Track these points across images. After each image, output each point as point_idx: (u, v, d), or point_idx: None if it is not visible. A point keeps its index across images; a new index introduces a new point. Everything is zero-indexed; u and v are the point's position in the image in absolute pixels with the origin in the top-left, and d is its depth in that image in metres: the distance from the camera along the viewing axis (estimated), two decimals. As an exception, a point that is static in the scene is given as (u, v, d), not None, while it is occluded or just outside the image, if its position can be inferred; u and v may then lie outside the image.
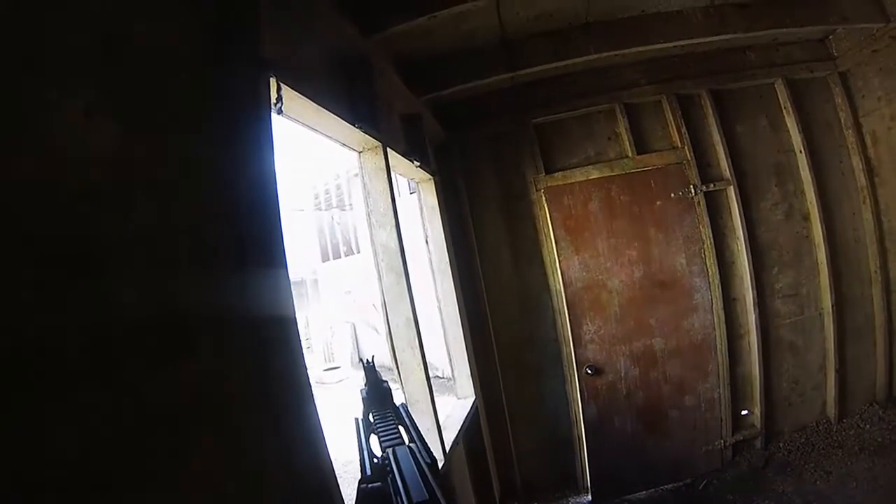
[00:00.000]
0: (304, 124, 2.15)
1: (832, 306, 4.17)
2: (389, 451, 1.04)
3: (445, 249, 3.92)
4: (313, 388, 1.49)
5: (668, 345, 4.15)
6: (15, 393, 0.70)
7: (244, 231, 1.33)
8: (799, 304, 4.26)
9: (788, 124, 4.19)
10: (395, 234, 2.76)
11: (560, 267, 4.12)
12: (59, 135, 0.85)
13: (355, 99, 2.41)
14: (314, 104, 1.95)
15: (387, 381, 1.42)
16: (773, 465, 4.04)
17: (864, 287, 4.27)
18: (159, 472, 0.93)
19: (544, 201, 4.17)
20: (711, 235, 4.11)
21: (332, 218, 17.31)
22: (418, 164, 3.40)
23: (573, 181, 4.18)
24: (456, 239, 4.19)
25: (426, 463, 0.95)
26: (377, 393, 1.38)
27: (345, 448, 2.17)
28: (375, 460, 1.07)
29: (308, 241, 17.79)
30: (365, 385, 1.41)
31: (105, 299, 0.89)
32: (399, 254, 2.77)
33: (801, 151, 4.15)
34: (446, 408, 3.58)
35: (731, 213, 4.17)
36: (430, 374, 2.87)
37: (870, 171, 4.21)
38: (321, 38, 2.20)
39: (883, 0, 3.58)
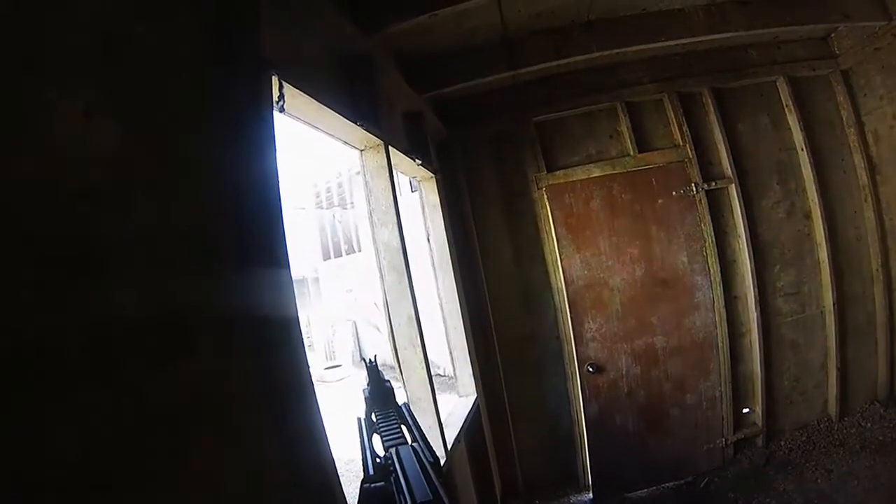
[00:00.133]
0: (306, 122, 2.15)
1: (833, 304, 4.16)
2: (392, 450, 1.04)
3: (447, 247, 3.92)
4: (315, 388, 1.49)
5: (669, 343, 4.14)
6: (15, 393, 0.70)
7: (246, 230, 1.33)
8: (800, 303, 4.26)
9: (790, 122, 4.18)
10: (396, 233, 2.76)
11: (561, 265, 4.11)
12: (59, 135, 0.85)
13: (357, 97, 2.41)
14: (316, 102, 1.95)
15: (389, 381, 1.42)
16: (775, 464, 4.04)
17: (865, 285, 4.27)
18: (159, 472, 0.93)
19: (546, 199, 4.16)
20: (713, 233, 4.10)
21: (334, 216, 17.32)
22: (420, 162, 3.39)
23: (575, 179, 4.17)
24: (457, 237, 4.19)
25: (429, 462, 0.95)
26: (379, 392, 1.37)
27: (346, 446, 2.17)
28: (378, 460, 1.06)
29: (309, 239, 17.81)
30: (367, 384, 1.40)
31: (105, 299, 0.89)
32: (401, 252, 2.77)
33: (802, 149, 4.14)
34: (448, 406, 3.58)
35: (732, 211, 4.16)
36: (432, 373, 2.87)
37: (871, 170, 4.20)
38: (322, 36, 2.20)
39: (885, -2, 3.57)
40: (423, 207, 4.03)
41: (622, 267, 4.12)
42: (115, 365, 0.88)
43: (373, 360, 1.47)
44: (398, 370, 2.80)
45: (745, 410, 4.27)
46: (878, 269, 4.22)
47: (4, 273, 0.72)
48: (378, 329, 12.27)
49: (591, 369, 4.08)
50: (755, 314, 4.13)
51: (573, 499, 4.24)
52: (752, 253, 4.11)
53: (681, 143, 4.15)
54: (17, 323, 0.72)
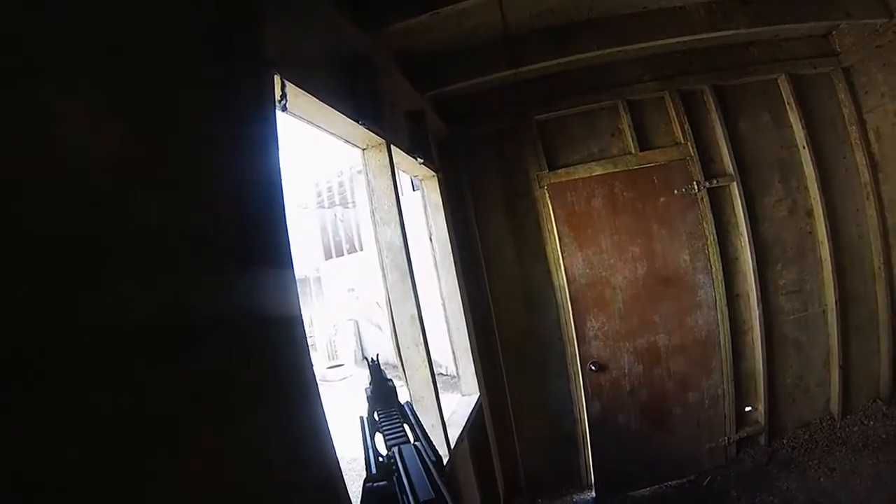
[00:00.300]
0: (308, 121, 2.16)
1: (836, 302, 4.16)
2: (395, 449, 1.04)
3: (449, 246, 3.92)
4: (319, 387, 1.49)
5: (671, 341, 4.14)
6: (15, 393, 0.70)
7: (249, 230, 1.33)
8: (802, 301, 4.25)
9: (792, 120, 4.17)
10: (399, 232, 2.76)
11: (563, 263, 4.11)
12: (59, 135, 0.85)
13: (359, 96, 2.41)
14: (318, 101, 1.96)
15: (391, 380, 1.42)
16: (777, 462, 4.04)
17: (867, 283, 4.26)
18: (159, 472, 0.92)
19: (547, 198, 4.16)
20: (715, 232, 4.09)
21: (336, 215, 17.29)
22: (422, 160, 3.39)
23: (576, 178, 4.17)
24: (459, 236, 4.19)
25: (431, 461, 0.95)
26: (382, 392, 1.37)
27: (349, 445, 2.17)
28: (381, 459, 1.06)
29: (311, 238, 17.80)
30: (370, 384, 1.40)
31: (106, 299, 0.88)
32: (403, 251, 2.77)
33: (804, 147, 4.13)
34: (451, 405, 3.59)
35: (734, 209, 4.16)
36: (435, 372, 2.87)
37: (874, 168, 4.19)
38: (322, 36, 2.20)
39: (887, -4, 3.56)
40: (425, 206, 4.03)
41: (624, 265, 4.12)
42: (116, 365, 0.87)
43: (375, 359, 1.48)
44: (401, 369, 2.80)
45: (748, 409, 4.26)
46: (880, 267, 4.21)
47: (4, 273, 0.72)
48: (380, 328, 12.27)
49: (593, 368, 4.08)
50: (757, 312, 4.12)
51: (576, 497, 4.24)
52: (753, 251, 4.11)
53: (682, 141, 4.14)
54: (18, 323, 0.72)
